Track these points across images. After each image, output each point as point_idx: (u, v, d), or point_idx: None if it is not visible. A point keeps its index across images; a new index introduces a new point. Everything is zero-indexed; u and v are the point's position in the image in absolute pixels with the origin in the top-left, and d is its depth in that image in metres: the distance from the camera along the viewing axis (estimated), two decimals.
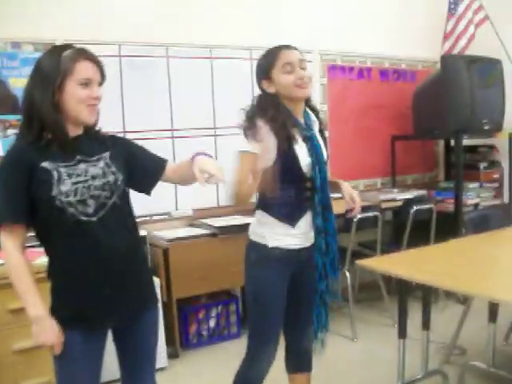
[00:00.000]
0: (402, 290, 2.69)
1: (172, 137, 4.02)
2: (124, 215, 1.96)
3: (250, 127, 2.14)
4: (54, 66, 1.80)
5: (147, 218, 3.94)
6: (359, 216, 3.87)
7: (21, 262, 1.81)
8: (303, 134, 2.22)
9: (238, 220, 3.85)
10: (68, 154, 1.84)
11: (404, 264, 2.66)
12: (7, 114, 3.36)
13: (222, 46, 4.15)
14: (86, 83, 1.83)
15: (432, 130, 4.72)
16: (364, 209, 3.96)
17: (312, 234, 2.28)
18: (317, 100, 4.61)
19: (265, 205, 2.27)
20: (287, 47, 2.25)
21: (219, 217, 4.03)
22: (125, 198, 1.96)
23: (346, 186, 2.45)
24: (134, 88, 3.85)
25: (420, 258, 2.74)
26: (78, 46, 1.88)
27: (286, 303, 2.34)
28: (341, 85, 4.79)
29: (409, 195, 4.53)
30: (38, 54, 3.11)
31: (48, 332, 1.81)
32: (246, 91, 3.75)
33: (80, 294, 1.86)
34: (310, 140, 2.22)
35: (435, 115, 4.58)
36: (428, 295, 2.85)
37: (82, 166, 1.85)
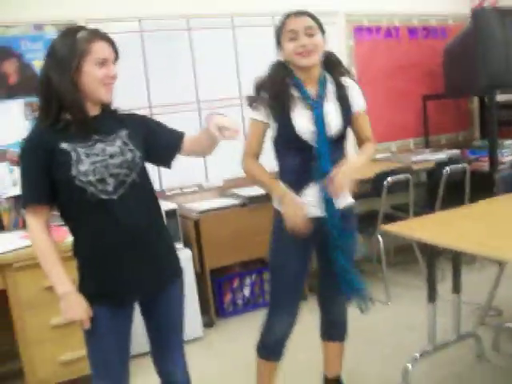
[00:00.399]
0: (430, 254, 2.66)
1: (198, 109, 4.03)
2: (144, 192, 2.00)
3: (254, 99, 2.26)
4: (70, 47, 1.82)
5: (178, 191, 4.01)
6: (390, 179, 3.84)
7: (46, 241, 1.88)
8: (307, 103, 2.21)
9: None
10: (85, 135, 1.87)
11: (430, 227, 2.60)
12: (34, 97, 3.42)
13: (244, 14, 4.10)
14: (103, 63, 1.85)
15: (465, 87, 4.57)
16: (395, 171, 3.96)
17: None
18: (344, 62, 4.54)
19: (279, 171, 2.33)
20: (296, 14, 2.24)
21: (249, 187, 4.04)
22: (144, 175, 1.99)
23: (344, 165, 2.23)
24: (158, 62, 3.87)
25: (448, 221, 2.67)
26: (92, 25, 1.90)
27: (303, 272, 2.39)
28: (368, 46, 4.69)
29: (442, 155, 4.43)
30: None
31: (76, 308, 1.87)
32: (270, 59, 3.75)
33: (104, 271, 1.92)
34: (315, 109, 2.20)
35: (468, 72, 4.43)
36: (457, 258, 2.81)
37: (100, 145, 1.89)
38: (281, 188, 2.25)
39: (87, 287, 1.92)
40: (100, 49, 1.84)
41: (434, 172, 4.22)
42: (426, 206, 4.23)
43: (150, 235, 1.97)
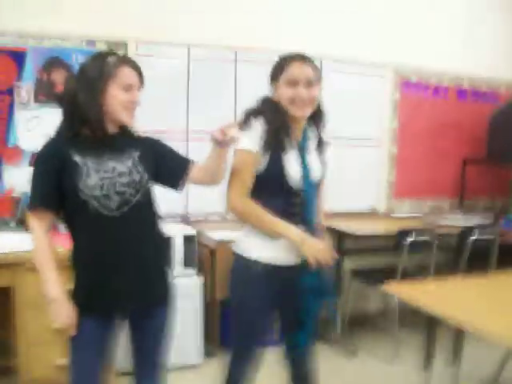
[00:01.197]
0: (430, 321, 2.60)
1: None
2: (147, 214, 2.06)
3: (245, 126, 2.14)
4: (99, 70, 1.93)
5: (201, 218, 4.06)
6: (411, 239, 3.80)
7: (45, 245, 1.96)
8: (297, 149, 2.18)
9: None
10: (99, 151, 1.96)
11: (436, 293, 2.51)
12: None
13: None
14: (127, 88, 1.95)
15: (508, 154, 4.51)
16: (418, 231, 3.91)
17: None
18: (386, 115, 4.56)
19: None
20: (301, 59, 2.15)
21: None
22: (149, 198, 2.06)
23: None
24: (201, 90, 3.96)
25: (457, 289, 2.58)
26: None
27: (266, 322, 2.33)
28: (414, 101, 4.68)
29: (472, 221, 4.35)
30: None
31: (62, 313, 1.94)
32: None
33: (93, 284, 1.98)
34: (301, 156, 2.18)
35: None
36: (460, 330, 2.73)
37: (111, 163, 1.97)
38: (295, 230, 2.13)
39: (77, 296, 1.99)
40: (126, 74, 1.95)
41: (461, 238, 4.14)
42: (449, 270, 4.14)
43: (145, 256, 2.03)
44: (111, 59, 1.96)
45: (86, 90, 1.92)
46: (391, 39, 4.46)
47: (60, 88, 3.55)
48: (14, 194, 3.38)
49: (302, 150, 2.20)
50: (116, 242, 1.97)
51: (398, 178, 4.69)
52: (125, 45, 3.74)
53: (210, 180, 2.16)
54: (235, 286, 2.31)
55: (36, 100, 3.56)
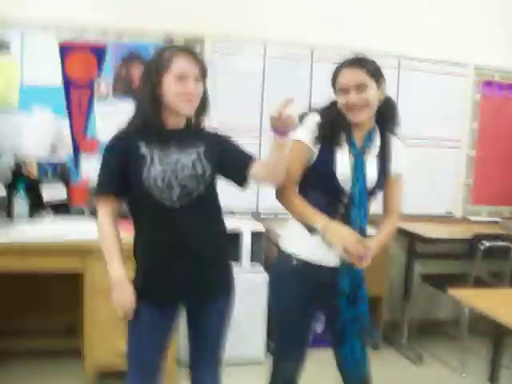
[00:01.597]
0: (496, 330, 2.49)
1: None
2: (208, 207, 2.08)
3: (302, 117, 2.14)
4: (156, 62, 1.98)
5: (272, 215, 4.06)
6: (486, 245, 3.65)
7: (110, 229, 2.04)
8: (352, 152, 2.14)
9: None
10: (165, 143, 2.00)
11: (505, 302, 2.40)
12: None
13: (369, 53, 4.06)
14: (181, 78, 1.95)
15: None
16: (495, 236, 3.75)
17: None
18: (466, 116, 4.40)
19: None
20: (348, 66, 2.12)
21: None
22: (211, 192, 2.08)
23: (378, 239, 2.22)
24: (276, 87, 3.96)
25: None
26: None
27: (310, 317, 2.28)
28: (496, 102, 4.48)
29: None
30: None
31: (124, 296, 2.01)
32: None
33: (153, 271, 2.04)
34: (356, 158, 2.13)
35: None
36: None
37: (175, 155, 2.00)
38: (324, 220, 2.08)
39: (137, 282, 2.05)
40: (180, 65, 1.96)
41: None
42: None
43: (205, 248, 2.05)
44: (168, 50, 2.00)
45: (143, 83, 2.00)
46: (472, 38, 4.28)
47: (136, 82, 3.66)
48: (90, 184, 3.51)
49: (361, 153, 2.15)
50: (175, 233, 2.00)
51: (476, 181, 4.51)
52: (202, 41, 3.81)
53: (271, 177, 2.09)
54: (272, 281, 2.33)
55: (114, 94, 3.70)
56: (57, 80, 3.61)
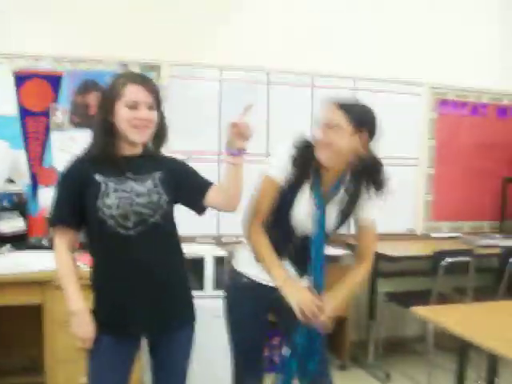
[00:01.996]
0: (461, 346, 2.51)
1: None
2: (165, 234, 2.05)
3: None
4: (109, 90, 1.97)
5: (234, 240, 4.03)
6: (447, 261, 3.69)
7: (67, 260, 2.01)
8: (314, 197, 2.12)
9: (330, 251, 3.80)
10: (119, 171, 1.98)
11: (468, 317, 2.43)
12: None
13: (325, 75, 4.15)
14: (133, 105, 1.93)
15: None
16: (456, 252, 3.80)
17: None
18: (423, 134, 4.48)
19: None
20: (332, 103, 2.06)
21: None
22: (168, 219, 2.05)
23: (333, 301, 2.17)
24: (232, 111, 3.95)
25: (491, 313, 2.50)
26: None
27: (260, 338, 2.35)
28: (451, 120, 4.58)
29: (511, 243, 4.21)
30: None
31: (83, 326, 1.97)
32: None
33: (111, 302, 2.00)
34: (318, 208, 2.13)
35: None
36: (492, 356, 2.62)
37: (130, 183, 1.98)
38: (283, 275, 2.10)
39: (95, 313, 2.00)
40: (132, 92, 1.94)
41: (501, 260, 4.00)
42: (488, 294, 4.01)
43: (163, 276, 2.02)
44: (120, 78, 1.99)
45: (98, 112, 1.99)
46: (426, 57, 4.38)
47: (93, 110, 3.63)
48: (48, 214, 3.44)
49: (322, 203, 2.13)
50: (132, 262, 1.97)
51: (436, 198, 4.59)
52: (158, 67, 3.81)
53: (226, 203, 2.06)
54: (225, 297, 2.35)
55: (71, 122, 3.65)
56: (12, 109, 3.56)
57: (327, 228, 2.16)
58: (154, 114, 1.99)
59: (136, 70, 3.69)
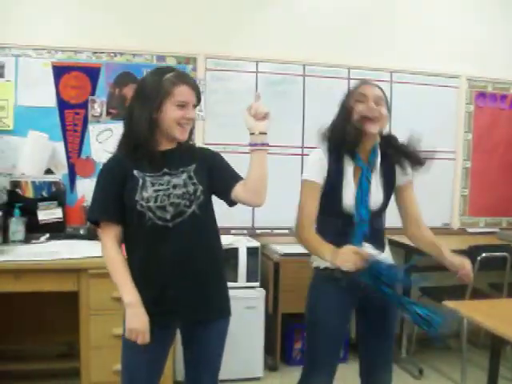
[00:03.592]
0: (494, 342, 2.47)
1: (301, 154, 4.08)
2: (202, 225, 2.07)
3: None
4: (156, 87, 1.97)
5: (268, 231, 4.07)
6: (485, 255, 3.64)
7: (115, 255, 2.01)
8: (356, 170, 2.22)
9: None
10: (156, 166, 2.01)
11: (501, 314, 2.37)
12: None
13: (359, 67, 4.13)
14: (182, 105, 1.98)
15: None
16: (492, 247, 3.74)
17: None
18: (461, 127, 4.41)
19: (317, 231, 2.26)
20: (370, 83, 2.28)
21: None
22: (205, 209, 2.07)
23: (448, 252, 2.32)
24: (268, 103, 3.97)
25: None
26: (179, 70, 2.05)
27: (343, 330, 2.35)
28: (489, 114, 4.49)
29: None
30: (180, 67, 3.42)
31: (139, 318, 1.96)
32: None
33: (149, 292, 2.00)
34: (360, 178, 2.22)
35: None
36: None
37: (167, 177, 2.02)
38: (329, 250, 2.11)
39: None
40: (182, 92, 1.98)
41: None
42: None
43: (200, 267, 2.05)
44: (169, 76, 1.99)
45: (141, 107, 1.98)
46: (465, 49, 4.32)
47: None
48: (85, 204, 3.52)
49: (365, 175, 2.23)
50: (170, 253, 2.00)
51: (472, 192, 4.52)
52: (194, 60, 3.84)
53: (251, 198, 2.05)
54: (308, 295, 2.37)
55: (108, 114, 3.72)
56: (51, 101, 3.65)
57: (374, 203, 2.24)
58: (195, 112, 2.05)
59: (172, 62, 3.75)
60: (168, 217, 1.98)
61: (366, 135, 2.20)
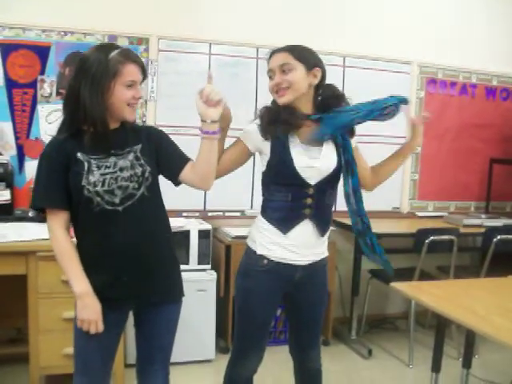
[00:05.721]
0: (438, 321, 2.54)
1: None
2: (153, 206, 2.04)
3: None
4: (103, 67, 1.88)
5: (220, 213, 4.07)
6: (432, 237, 3.73)
7: (64, 243, 1.95)
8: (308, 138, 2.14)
9: None
10: (101, 147, 1.95)
11: (447, 295, 2.42)
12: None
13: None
14: (131, 85, 1.93)
15: None
16: (440, 231, 3.85)
17: (311, 251, 2.20)
18: (412, 113, 4.48)
19: (262, 208, 2.24)
20: (272, 53, 2.19)
21: None
22: (154, 190, 2.04)
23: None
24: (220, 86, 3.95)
25: (470, 290, 2.51)
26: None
27: (271, 319, 2.36)
28: (440, 100, 4.58)
29: (497, 223, 4.24)
30: (132, 47, 3.35)
31: (91, 309, 1.92)
32: None
33: (100, 276, 1.96)
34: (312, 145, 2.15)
35: None
36: (471, 338, 2.65)
37: (112, 158, 1.97)
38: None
39: None
40: (130, 71, 1.92)
41: (484, 239, 4.04)
42: (472, 272, 4.07)
43: (151, 250, 2.03)
44: (115, 55, 1.90)
45: (90, 88, 1.88)
46: (416, 36, 4.39)
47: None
48: (33, 198, 3.43)
49: (315, 141, 2.15)
50: (120, 236, 1.96)
51: (422, 178, 4.61)
52: (147, 40, 3.78)
53: (199, 182, 2.06)
54: (239, 279, 2.29)
55: (58, 94, 3.63)
56: None
57: (329, 168, 2.16)
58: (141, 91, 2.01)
59: (124, 42, 3.67)
60: (117, 201, 1.94)
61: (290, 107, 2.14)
